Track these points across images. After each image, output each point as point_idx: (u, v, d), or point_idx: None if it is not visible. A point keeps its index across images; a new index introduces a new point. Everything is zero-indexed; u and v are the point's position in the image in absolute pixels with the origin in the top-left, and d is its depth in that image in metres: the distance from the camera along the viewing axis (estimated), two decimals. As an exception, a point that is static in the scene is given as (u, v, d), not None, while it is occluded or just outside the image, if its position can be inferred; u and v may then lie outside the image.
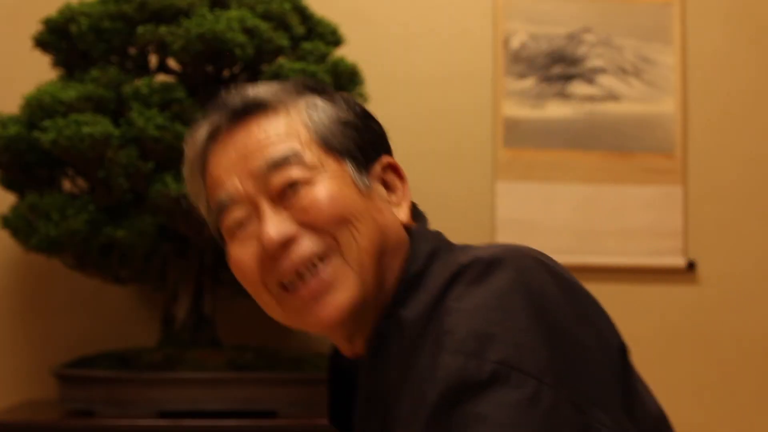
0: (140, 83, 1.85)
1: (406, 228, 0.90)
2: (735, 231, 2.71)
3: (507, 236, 2.54)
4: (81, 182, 1.96)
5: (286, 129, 0.86)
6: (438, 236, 0.92)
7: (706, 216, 2.67)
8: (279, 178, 0.82)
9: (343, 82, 2.01)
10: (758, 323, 2.68)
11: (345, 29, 2.29)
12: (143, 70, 2.02)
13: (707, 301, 2.65)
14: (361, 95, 2.08)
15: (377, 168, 0.90)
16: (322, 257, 0.80)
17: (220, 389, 1.97)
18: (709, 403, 2.66)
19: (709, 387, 2.67)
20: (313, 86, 0.93)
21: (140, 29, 1.85)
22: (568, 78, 2.66)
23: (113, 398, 1.96)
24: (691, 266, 2.61)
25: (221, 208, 0.86)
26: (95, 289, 2.46)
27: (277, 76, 1.87)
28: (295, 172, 0.82)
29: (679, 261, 2.60)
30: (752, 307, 2.69)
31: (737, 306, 2.67)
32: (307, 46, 1.97)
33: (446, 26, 2.66)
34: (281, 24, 1.96)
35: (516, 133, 2.60)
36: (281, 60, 1.92)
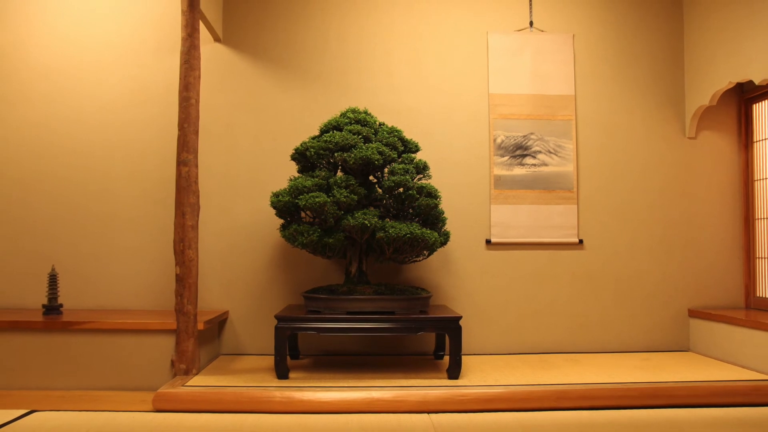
0: (336, 177, 3.50)
1: None
2: (600, 226, 4.25)
3: (496, 231, 3.99)
4: (310, 218, 3.55)
5: None
6: None
7: (587, 219, 4.21)
8: None
9: (419, 169, 3.60)
10: (611, 267, 4.22)
11: (421, 141, 3.95)
12: (337, 171, 3.60)
13: (588, 258, 4.21)
14: (429, 174, 3.66)
15: None
16: None
17: (371, 302, 3.42)
18: (590, 304, 4.17)
19: (590, 296, 4.19)
20: None
21: (336, 154, 3.53)
22: (523, 156, 4.07)
23: (327, 306, 3.43)
24: (581, 242, 4.15)
25: None
26: (318, 261, 4.12)
27: (392, 172, 3.51)
28: None
29: (576, 239, 4.13)
30: (608, 260, 4.23)
31: (601, 259, 4.23)
32: (404, 155, 3.63)
33: (468, 135, 4.16)
34: (393, 147, 3.63)
35: (499, 182, 4.06)
36: (394, 164, 3.57)
